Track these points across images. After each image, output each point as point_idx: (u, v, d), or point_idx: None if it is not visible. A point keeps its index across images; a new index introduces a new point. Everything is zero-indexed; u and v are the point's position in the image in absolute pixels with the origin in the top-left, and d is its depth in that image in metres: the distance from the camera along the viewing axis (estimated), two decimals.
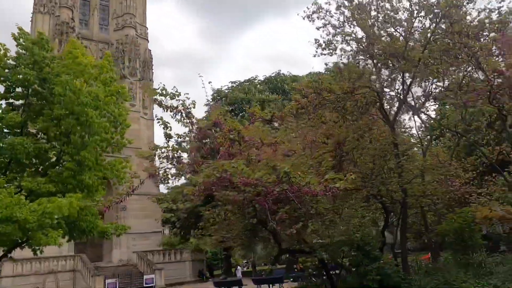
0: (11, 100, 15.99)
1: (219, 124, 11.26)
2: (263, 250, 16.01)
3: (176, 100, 11.31)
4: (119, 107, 19.63)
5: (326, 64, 13.97)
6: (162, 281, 35.22)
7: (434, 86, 17.57)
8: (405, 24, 12.35)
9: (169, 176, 11.15)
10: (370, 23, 12.10)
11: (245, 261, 61.64)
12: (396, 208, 16.73)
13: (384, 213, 17.37)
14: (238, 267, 32.07)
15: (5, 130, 15.42)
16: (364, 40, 12.51)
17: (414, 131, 22.23)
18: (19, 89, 15.85)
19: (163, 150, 10.69)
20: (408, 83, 13.48)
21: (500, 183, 19.60)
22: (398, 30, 12.50)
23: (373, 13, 12.95)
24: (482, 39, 13.90)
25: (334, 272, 18.12)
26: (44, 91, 14.76)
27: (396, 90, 13.92)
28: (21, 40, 14.97)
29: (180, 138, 12.44)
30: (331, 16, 13.11)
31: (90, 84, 18.54)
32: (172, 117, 10.82)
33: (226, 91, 47.04)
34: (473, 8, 13.31)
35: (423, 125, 20.60)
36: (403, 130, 20.33)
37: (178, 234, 41.83)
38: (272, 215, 10.44)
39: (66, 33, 43.74)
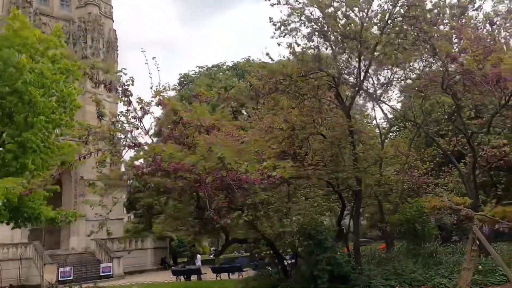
0: None
1: (163, 105, 10.42)
2: (210, 239, 15.32)
3: (115, 76, 10.36)
4: (69, 86, 18.32)
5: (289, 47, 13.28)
6: (120, 269, 34.23)
7: (396, 75, 17.39)
8: (363, 5, 11.83)
9: (107, 159, 10.23)
10: (326, 2, 11.50)
11: (213, 248, 61.09)
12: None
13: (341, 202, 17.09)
14: (198, 255, 31.42)
15: None
16: (320, 20, 11.92)
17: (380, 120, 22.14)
18: None
19: (97, 130, 9.73)
20: (365, 68, 13.04)
21: (456, 174, 19.78)
22: (354, 11, 11.95)
23: None
24: (442, 27, 13.62)
25: (290, 262, 17.91)
26: None
27: (353, 76, 13.44)
28: None
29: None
30: None
31: (38, 61, 17.17)
32: (107, 92, 9.86)
33: (193, 76, 45.79)
34: None
35: (385, 115, 20.42)
36: (363, 118, 20.07)
37: (142, 222, 40.70)
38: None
39: (23, 7, 41.00)
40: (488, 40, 12.34)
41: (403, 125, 29.82)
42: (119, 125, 9.68)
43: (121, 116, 9.80)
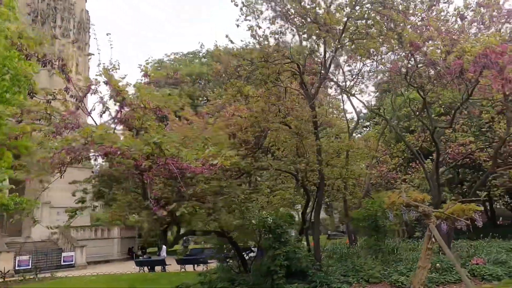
0: None
1: (109, 84, 9.54)
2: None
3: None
4: (24, 64, 17.12)
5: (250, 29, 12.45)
6: (83, 259, 33.08)
7: (367, 67, 16.98)
8: None
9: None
10: None
11: (185, 238, 60.19)
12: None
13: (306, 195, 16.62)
14: (164, 246, 30.57)
15: None
16: (283, 2, 11.24)
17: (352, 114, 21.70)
18: None
19: (32, 108, 8.79)
20: (331, 56, 12.47)
21: (422, 171, 19.62)
22: None
23: None
24: (412, 18, 13.16)
25: (252, 255, 17.43)
26: None
27: (319, 64, 12.85)
28: None
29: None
30: None
31: None
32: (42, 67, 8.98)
33: (168, 62, 44.47)
34: None
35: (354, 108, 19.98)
36: (333, 111, 19.63)
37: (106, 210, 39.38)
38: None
39: None
40: (457, 33, 11.98)
41: (375, 121, 29.74)
42: (62, 104, 8.79)
43: (57, 94, 8.88)
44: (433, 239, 9.42)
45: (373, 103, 31.60)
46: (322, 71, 12.72)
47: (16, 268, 28.35)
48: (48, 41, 9.01)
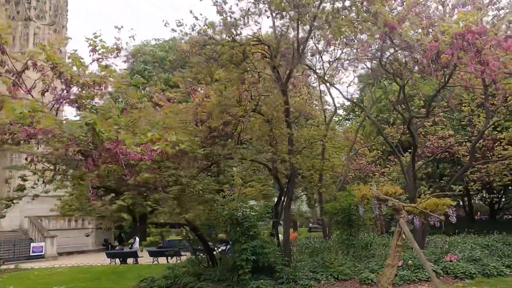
0: None
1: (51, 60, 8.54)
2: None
3: None
4: None
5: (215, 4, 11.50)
6: (53, 250, 31.95)
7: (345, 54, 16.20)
8: None
9: None
10: None
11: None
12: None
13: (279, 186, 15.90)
14: (137, 238, 29.64)
15: None
16: None
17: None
18: None
19: None
20: (305, 38, 11.61)
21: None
22: None
23: None
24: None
25: (222, 249, 16.75)
26: None
27: (293, 47, 11.96)
28: None
29: None
30: None
31: None
32: None
33: (149, 48, 43.05)
34: None
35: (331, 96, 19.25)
36: (312, 99, 18.87)
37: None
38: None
39: None
40: (437, 19, 11.31)
41: (357, 113, 29.19)
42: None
43: None
44: (403, 236, 8.80)
45: (356, 95, 31.12)
46: (293, 54, 11.87)
47: None
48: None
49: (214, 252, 16.22)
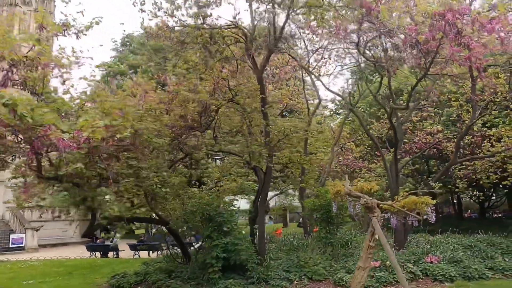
0: None
1: None
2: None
3: None
4: None
5: None
6: (34, 242, 31.19)
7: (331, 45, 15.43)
8: None
9: None
10: None
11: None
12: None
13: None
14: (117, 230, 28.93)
15: None
16: None
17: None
18: None
19: None
20: (283, 22, 10.83)
21: (387, 159, 18.49)
22: None
23: None
24: None
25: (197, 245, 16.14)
26: None
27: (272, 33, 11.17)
28: None
29: None
30: None
31: None
32: None
33: (138, 36, 42.05)
34: None
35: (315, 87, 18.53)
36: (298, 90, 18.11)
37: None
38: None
39: None
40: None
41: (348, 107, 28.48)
42: None
43: None
44: (376, 236, 8.17)
45: (349, 90, 30.39)
46: (269, 39, 11.10)
47: None
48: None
49: (193, 248, 15.63)
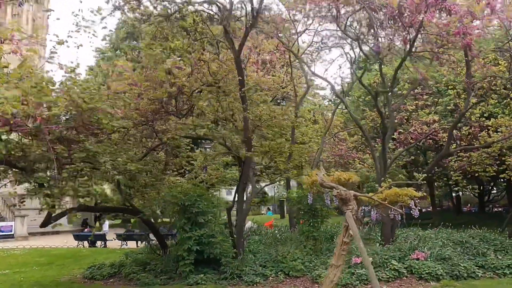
0: None
1: None
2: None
3: None
4: None
5: None
6: (24, 230, 30.82)
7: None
8: None
9: None
10: None
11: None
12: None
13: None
14: (106, 220, 28.45)
15: None
16: None
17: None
18: None
19: None
20: None
21: (380, 150, 17.66)
22: None
23: None
24: None
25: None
26: None
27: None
28: None
29: None
30: None
31: None
32: None
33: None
34: None
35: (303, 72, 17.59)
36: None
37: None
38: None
39: None
40: None
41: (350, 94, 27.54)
42: None
43: None
44: (350, 232, 7.41)
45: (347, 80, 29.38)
46: (246, 15, 10.24)
47: None
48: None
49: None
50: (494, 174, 16.19)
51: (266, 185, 20.74)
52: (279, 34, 13.36)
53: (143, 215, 12.21)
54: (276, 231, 15.45)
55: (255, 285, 10.05)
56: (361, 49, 11.75)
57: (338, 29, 10.74)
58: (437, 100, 18.06)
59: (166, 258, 12.45)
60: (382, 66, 12.89)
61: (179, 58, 12.62)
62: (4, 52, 8.00)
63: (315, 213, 12.67)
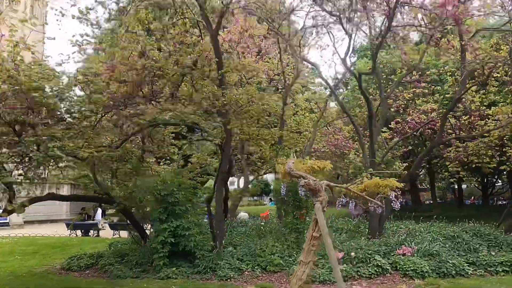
0: None
1: None
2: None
3: None
4: None
5: None
6: (19, 218, 30.70)
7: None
8: None
9: None
10: None
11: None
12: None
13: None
14: (99, 209, 28.16)
15: None
16: None
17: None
18: None
19: None
20: None
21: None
22: None
23: None
24: None
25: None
26: None
27: None
28: None
29: None
30: None
31: None
32: None
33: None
34: None
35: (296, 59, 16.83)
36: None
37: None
38: None
39: None
40: None
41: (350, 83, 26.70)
42: None
43: None
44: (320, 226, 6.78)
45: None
46: None
47: None
48: None
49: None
50: (494, 165, 15.39)
51: (255, 177, 20.14)
52: (265, 12, 12.62)
53: (120, 205, 11.72)
54: (262, 223, 14.85)
55: (228, 280, 9.50)
56: (343, 27, 10.94)
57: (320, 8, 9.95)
58: (433, 86, 17.19)
59: (143, 250, 11.97)
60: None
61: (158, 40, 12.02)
62: None
63: (300, 204, 12.05)
